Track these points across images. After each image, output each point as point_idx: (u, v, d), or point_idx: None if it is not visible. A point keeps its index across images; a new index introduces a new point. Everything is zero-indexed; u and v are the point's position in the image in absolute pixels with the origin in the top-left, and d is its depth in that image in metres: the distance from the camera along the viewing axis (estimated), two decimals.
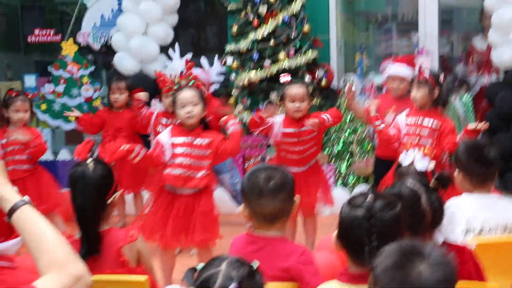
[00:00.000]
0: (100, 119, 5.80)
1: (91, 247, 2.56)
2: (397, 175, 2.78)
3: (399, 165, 2.78)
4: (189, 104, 3.89)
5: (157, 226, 3.89)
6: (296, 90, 4.52)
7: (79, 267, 1.46)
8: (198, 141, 3.93)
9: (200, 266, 1.59)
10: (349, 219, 1.90)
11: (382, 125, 4.52)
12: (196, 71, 5.45)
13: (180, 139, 3.92)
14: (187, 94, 3.92)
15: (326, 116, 4.50)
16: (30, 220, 1.51)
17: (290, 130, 4.52)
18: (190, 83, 4.39)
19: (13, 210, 1.52)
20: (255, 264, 1.59)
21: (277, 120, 4.58)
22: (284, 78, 5.43)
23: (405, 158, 2.73)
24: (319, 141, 4.71)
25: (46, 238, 1.47)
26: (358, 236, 1.86)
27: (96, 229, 2.59)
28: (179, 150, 3.91)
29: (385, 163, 4.67)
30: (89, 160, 2.68)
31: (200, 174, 3.92)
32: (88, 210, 2.57)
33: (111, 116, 5.75)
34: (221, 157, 4.03)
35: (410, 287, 1.40)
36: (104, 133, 5.75)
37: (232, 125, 4.01)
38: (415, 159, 2.66)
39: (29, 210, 1.52)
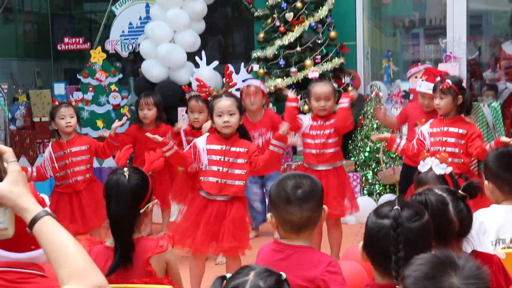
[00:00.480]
0: (131, 137, 5.74)
1: (124, 256, 2.58)
2: (417, 182, 2.80)
3: (419, 173, 2.80)
4: (226, 114, 3.87)
5: (189, 231, 3.90)
6: (321, 88, 4.53)
7: (99, 278, 1.47)
8: (234, 149, 3.91)
9: (229, 275, 1.59)
10: (375, 229, 1.88)
11: (400, 147, 4.42)
12: (253, 81, 5.51)
13: (216, 147, 3.91)
14: (225, 103, 3.89)
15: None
16: (51, 230, 1.52)
17: (314, 123, 4.61)
18: (229, 90, 4.44)
19: (34, 220, 1.53)
20: (284, 274, 1.58)
21: (305, 119, 4.66)
22: (313, 74, 5.45)
23: (423, 166, 2.79)
24: (339, 142, 4.70)
25: (67, 249, 1.49)
26: (384, 247, 1.83)
27: (130, 238, 2.61)
28: (214, 157, 3.90)
29: (413, 170, 4.61)
30: (126, 168, 2.70)
31: (235, 182, 3.91)
32: (123, 219, 2.59)
33: (142, 133, 5.71)
34: (252, 169, 4.02)
35: None
36: (137, 151, 5.67)
37: (275, 146, 3.96)
38: (433, 164, 2.71)
39: (50, 221, 1.54)
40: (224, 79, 4.76)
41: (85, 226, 4.90)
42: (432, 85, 4.82)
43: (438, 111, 4.42)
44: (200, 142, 3.95)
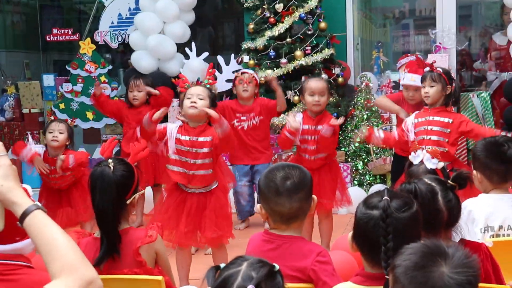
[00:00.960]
0: (115, 107, 5.88)
1: (110, 247, 2.58)
2: (408, 175, 2.80)
3: (410, 164, 2.80)
4: (195, 96, 3.83)
5: (170, 225, 3.86)
6: (316, 83, 4.51)
7: (90, 271, 1.46)
8: (201, 139, 3.86)
9: (223, 265, 1.59)
10: (364, 219, 1.88)
11: (381, 138, 4.41)
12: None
13: (185, 137, 3.86)
14: (196, 89, 3.89)
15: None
16: (42, 224, 1.52)
17: (305, 127, 4.52)
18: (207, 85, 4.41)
19: (25, 214, 1.53)
20: (277, 266, 1.58)
21: (298, 118, 4.56)
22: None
23: (414, 157, 2.77)
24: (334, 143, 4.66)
25: (57, 243, 1.48)
26: (374, 237, 1.83)
27: (116, 229, 2.60)
28: (182, 148, 3.86)
29: (404, 159, 4.62)
30: (110, 160, 2.69)
31: (204, 172, 3.88)
32: (107, 210, 2.58)
33: (132, 113, 5.78)
34: (217, 154, 3.97)
35: None
36: (125, 128, 5.84)
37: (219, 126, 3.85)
38: (424, 158, 2.70)
39: (41, 215, 1.53)
40: (206, 76, 4.75)
41: (75, 219, 4.91)
42: (415, 76, 4.83)
43: (426, 100, 4.38)
44: (171, 127, 3.91)
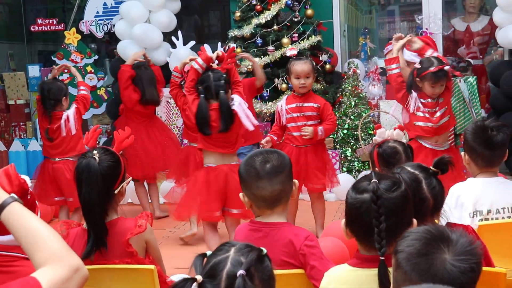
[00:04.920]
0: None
1: (97, 240, 2.55)
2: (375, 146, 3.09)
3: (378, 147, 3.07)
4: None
5: (195, 199, 3.99)
6: (301, 66, 4.67)
7: (75, 259, 1.47)
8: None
9: (209, 252, 1.58)
10: (356, 204, 1.89)
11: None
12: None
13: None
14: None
15: (320, 129, 4.62)
16: (22, 216, 1.51)
17: (292, 105, 4.72)
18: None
19: (2, 207, 1.52)
20: (264, 250, 1.57)
21: (280, 102, 4.84)
22: (291, 51, 5.55)
23: (379, 135, 3.12)
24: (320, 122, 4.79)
25: (40, 233, 1.48)
26: (367, 221, 1.85)
27: (103, 221, 2.57)
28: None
29: None
30: (95, 150, 2.64)
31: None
32: (94, 203, 2.53)
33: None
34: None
35: (433, 276, 1.37)
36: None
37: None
38: (394, 133, 3.09)
39: (18, 206, 1.52)
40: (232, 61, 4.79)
41: (71, 203, 4.91)
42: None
43: (434, 96, 4.38)
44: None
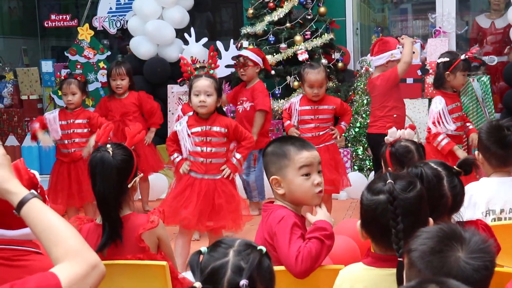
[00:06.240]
0: (105, 110, 5.74)
1: (112, 233, 2.58)
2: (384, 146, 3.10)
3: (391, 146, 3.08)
4: (202, 94, 3.91)
5: (182, 207, 3.94)
6: (315, 76, 4.67)
7: (93, 256, 1.47)
8: (215, 128, 3.97)
9: (204, 249, 1.52)
10: (372, 206, 1.87)
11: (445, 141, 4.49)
12: (245, 51, 5.53)
13: (197, 129, 3.96)
14: (203, 84, 3.93)
15: (344, 125, 4.90)
16: (41, 212, 1.52)
17: (307, 107, 4.76)
18: (211, 72, 4.46)
19: (22, 203, 1.53)
20: (264, 248, 1.53)
21: (294, 100, 4.87)
22: (302, 56, 5.60)
23: (391, 135, 3.12)
24: (332, 123, 4.89)
25: (59, 229, 1.49)
26: (383, 222, 1.83)
27: (117, 214, 2.60)
28: (197, 139, 3.96)
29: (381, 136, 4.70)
30: (108, 145, 2.67)
31: (220, 160, 4.00)
32: (109, 195, 2.56)
33: (116, 103, 5.69)
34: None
35: (446, 274, 1.36)
36: (109, 119, 5.61)
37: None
38: (405, 133, 3.09)
39: (38, 202, 1.54)
40: (208, 60, 4.82)
41: (81, 200, 4.97)
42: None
43: (459, 88, 4.53)
44: (180, 126, 4.01)
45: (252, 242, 1.55)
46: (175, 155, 4.09)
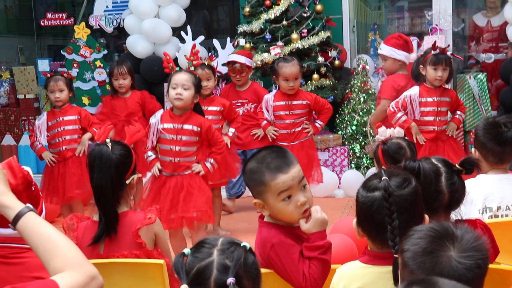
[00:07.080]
0: (110, 108, 5.77)
1: (108, 226, 2.58)
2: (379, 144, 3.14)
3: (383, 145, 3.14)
4: (179, 87, 3.89)
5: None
6: (290, 69, 4.73)
7: (92, 267, 1.49)
8: (187, 127, 3.96)
9: (187, 251, 1.50)
10: (367, 203, 1.88)
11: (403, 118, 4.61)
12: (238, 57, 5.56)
13: (169, 125, 3.96)
14: (180, 78, 3.93)
15: (319, 124, 4.90)
16: (37, 225, 1.53)
17: (281, 103, 4.81)
18: (192, 68, 4.48)
19: (18, 217, 1.54)
20: (248, 244, 1.52)
21: (268, 97, 4.92)
22: (274, 50, 5.65)
23: (381, 134, 3.17)
24: (308, 118, 4.95)
25: (57, 241, 1.50)
26: (379, 219, 1.84)
27: (114, 208, 2.60)
28: (167, 136, 3.95)
29: None
30: (108, 140, 2.69)
31: (189, 159, 4.00)
32: (106, 188, 2.58)
33: (119, 102, 5.72)
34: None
35: (438, 274, 1.36)
36: (113, 120, 5.68)
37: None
38: (395, 131, 3.15)
39: (34, 216, 1.55)
40: (189, 56, 4.82)
41: (66, 197, 4.95)
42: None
43: (435, 83, 4.53)
44: (154, 120, 4.02)
45: (235, 239, 1.54)
46: (149, 153, 4.08)
